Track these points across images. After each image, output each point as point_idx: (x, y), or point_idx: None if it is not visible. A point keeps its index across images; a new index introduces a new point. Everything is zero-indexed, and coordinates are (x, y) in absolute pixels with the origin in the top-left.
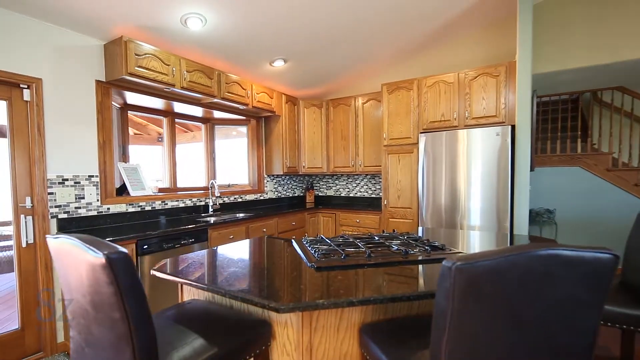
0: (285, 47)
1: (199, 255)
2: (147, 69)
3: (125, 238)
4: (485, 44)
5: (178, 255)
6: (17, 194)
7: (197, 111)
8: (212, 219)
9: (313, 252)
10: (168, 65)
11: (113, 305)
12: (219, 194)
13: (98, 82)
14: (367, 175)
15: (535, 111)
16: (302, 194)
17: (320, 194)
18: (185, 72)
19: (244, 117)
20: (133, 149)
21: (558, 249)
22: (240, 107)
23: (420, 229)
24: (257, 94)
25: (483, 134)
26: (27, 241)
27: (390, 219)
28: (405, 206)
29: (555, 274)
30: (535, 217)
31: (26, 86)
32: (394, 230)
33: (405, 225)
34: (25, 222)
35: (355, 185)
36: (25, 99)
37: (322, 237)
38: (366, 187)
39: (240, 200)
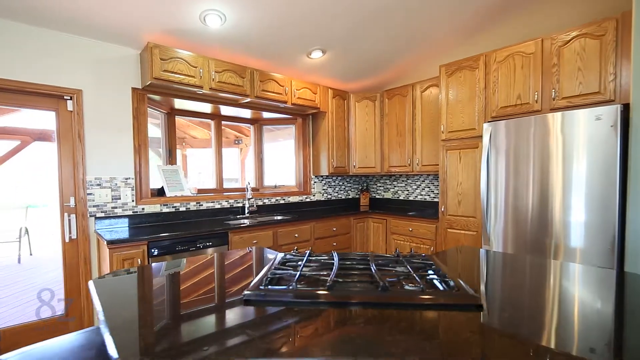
0: (320, 35)
1: (139, 270)
2: (172, 72)
3: (136, 239)
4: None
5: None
6: (63, 194)
7: (246, 113)
8: (247, 221)
9: (268, 275)
10: (195, 67)
11: None
12: (250, 196)
13: (134, 89)
14: (428, 175)
15: None
16: (356, 196)
17: (377, 197)
18: (213, 72)
19: (290, 116)
20: (208, 152)
21: None
22: (280, 105)
23: (482, 251)
24: (297, 90)
25: (584, 119)
26: (70, 237)
27: (448, 229)
28: (467, 214)
29: None
30: None
31: (69, 97)
32: (411, 250)
33: (468, 238)
34: (69, 219)
35: (415, 187)
36: (69, 109)
37: (294, 254)
38: (427, 189)
39: (282, 202)
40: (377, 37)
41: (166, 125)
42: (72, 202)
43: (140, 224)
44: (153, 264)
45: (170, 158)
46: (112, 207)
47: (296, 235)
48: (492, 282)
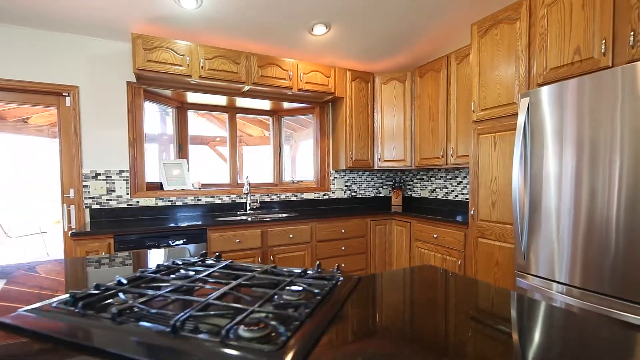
0: (317, 6)
1: None
2: (157, 62)
3: (101, 232)
4: None
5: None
6: (64, 186)
7: (264, 104)
8: (238, 218)
9: (85, 291)
10: (182, 55)
11: None
12: (247, 191)
13: (129, 83)
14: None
15: None
16: (389, 194)
17: (413, 195)
18: (202, 60)
19: (309, 105)
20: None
21: None
22: (288, 92)
23: (513, 300)
24: (304, 74)
25: None
26: (69, 226)
27: (479, 239)
28: (503, 220)
29: None
30: None
31: (67, 94)
32: (336, 267)
33: (503, 252)
34: (69, 210)
35: (455, 184)
36: (67, 105)
37: (186, 260)
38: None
39: (294, 199)
40: (391, 2)
41: (177, 120)
42: (71, 194)
43: (132, 217)
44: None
45: (181, 152)
46: (107, 200)
47: (291, 236)
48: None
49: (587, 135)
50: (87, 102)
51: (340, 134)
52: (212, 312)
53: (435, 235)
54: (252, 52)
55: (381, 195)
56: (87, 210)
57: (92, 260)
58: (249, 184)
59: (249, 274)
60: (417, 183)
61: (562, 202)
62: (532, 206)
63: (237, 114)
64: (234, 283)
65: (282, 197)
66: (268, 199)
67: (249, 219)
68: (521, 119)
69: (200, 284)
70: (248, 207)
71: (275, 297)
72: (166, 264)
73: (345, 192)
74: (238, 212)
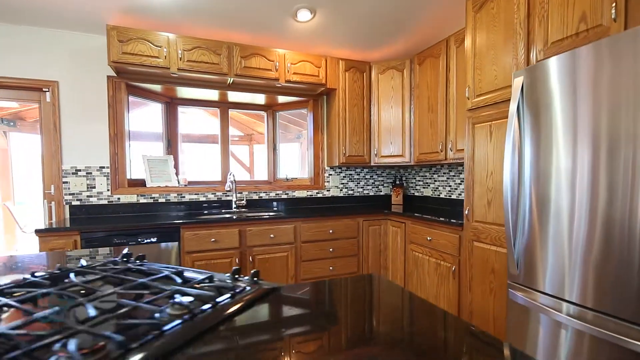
0: None
1: None
2: (132, 54)
3: (66, 229)
4: None
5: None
6: (45, 182)
7: (259, 99)
8: (233, 216)
9: None
10: (159, 47)
11: None
12: (229, 188)
13: (109, 77)
14: None
15: None
16: (390, 193)
17: (415, 194)
18: (181, 51)
19: (303, 98)
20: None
21: None
22: (277, 84)
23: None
24: (292, 64)
25: None
26: (50, 223)
27: (474, 242)
28: (500, 222)
29: None
30: None
31: (47, 89)
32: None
33: (501, 258)
34: (50, 206)
35: (459, 181)
36: (47, 100)
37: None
38: None
39: (285, 197)
40: None
41: (166, 115)
42: (52, 190)
43: (112, 214)
44: None
45: (170, 149)
46: (87, 196)
47: (272, 236)
48: None
49: (604, 121)
50: (67, 98)
51: (334, 128)
52: (26, 332)
53: (429, 238)
54: (235, 42)
55: (382, 193)
56: (67, 207)
57: (73, 257)
58: (233, 181)
59: (140, 280)
60: (419, 181)
61: (572, 202)
62: (532, 206)
63: (230, 109)
64: (108, 291)
65: (272, 195)
66: (257, 197)
67: (233, 217)
68: (513, 103)
69: (62, 293)
70: (233, 205)
71: (159, 314)
72: (69, 265)
73: (341, 190)
74: (223, 210)
